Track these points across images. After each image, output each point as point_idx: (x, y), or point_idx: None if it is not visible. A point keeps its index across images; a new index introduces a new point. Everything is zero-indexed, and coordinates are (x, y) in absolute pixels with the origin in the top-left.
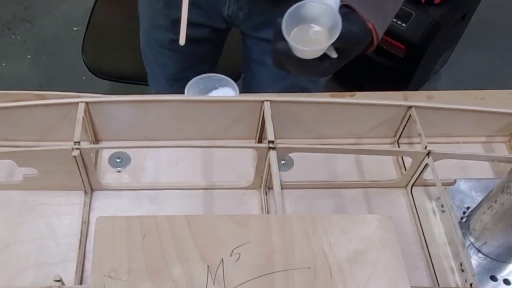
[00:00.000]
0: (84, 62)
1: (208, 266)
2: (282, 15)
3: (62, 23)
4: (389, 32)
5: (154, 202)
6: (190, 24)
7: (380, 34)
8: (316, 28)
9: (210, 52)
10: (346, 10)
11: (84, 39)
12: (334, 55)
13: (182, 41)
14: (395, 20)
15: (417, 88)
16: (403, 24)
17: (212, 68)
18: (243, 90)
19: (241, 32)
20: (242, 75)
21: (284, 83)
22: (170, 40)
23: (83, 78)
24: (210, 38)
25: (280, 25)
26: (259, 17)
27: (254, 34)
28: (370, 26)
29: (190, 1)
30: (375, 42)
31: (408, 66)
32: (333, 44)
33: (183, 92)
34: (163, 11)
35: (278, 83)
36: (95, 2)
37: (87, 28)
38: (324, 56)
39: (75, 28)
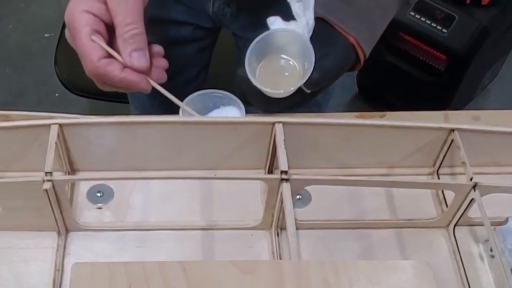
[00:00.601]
0: (58, 76)
1: None
2: (275, 13)
3: (31, 29)
4: (427, 39)
5: (143, 245)
6: (170, 22)
7: (368, 48)
8: (286, 58)
9: (196, 55)
10: (322, 26)
11: (57, 48)
12: (307, 90)
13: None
14: (434, 24)
15: (461, 107)
16: (444, 30)
17: (201, 77)
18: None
19: (233, 34)
20: None
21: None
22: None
23: (56, 95)
24: (195, 37)
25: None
26: (250, 15)
27: (246, 35)
28: (351, 40)
29: None
30: (362, 59)
31: (450, 80)
32: (308, 88)
33: (168, 107)
34: None
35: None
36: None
37: (60, 34)
38: (297, 90)
39: (46, 35)
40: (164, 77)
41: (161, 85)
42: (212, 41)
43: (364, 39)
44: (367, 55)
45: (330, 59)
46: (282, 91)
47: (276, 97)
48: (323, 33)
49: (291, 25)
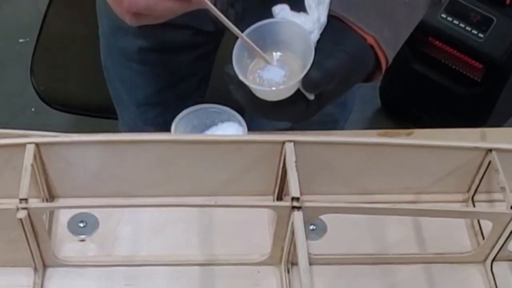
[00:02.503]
0: (34, 88)
1: None
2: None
3: (3, 33)
4: (461, 45)
5: (132, 284)
6: (165, 25)
7: (390, 51)
8: (286, 56)
9: (196, 63)
10: (335, 25)
11: (33, 55)
12: (311, 96)
13: None
14: (469, 28)
15: (499, 123)
16: (480, 35)
17: (201, 89)
18: (248, 124)
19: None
20: None
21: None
22: (139, 49)
23: (32, 109)
24: (194, 43)
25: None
26: (257, 16)
27: None
28: (370, 41)
29: None
30: (383, 65)
31: (487, 92)
32: (307, 90)
33: (163, 123)
34: None
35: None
36: (49, 5)
37: (37, 40)
38: (298, 96)
39: (21, 40)
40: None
41: (159, 96)
42: (213, 47)
43: (385, 39)
44: (390, 61)
45: (335, 58)
46: (274, 89)
47: (270, 99)
48: (334, 32)
49: (300, 17)
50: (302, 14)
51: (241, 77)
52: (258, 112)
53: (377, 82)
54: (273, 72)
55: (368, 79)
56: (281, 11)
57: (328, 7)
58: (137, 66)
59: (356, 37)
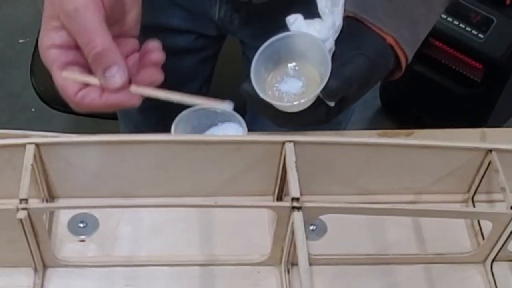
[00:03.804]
0: (34, 88)
1: None
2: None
3: (3, 34)
4: (461, 46)
5: (132, 284)
6: (168, 29)
7: (409, 50)
8: (302, 66)
9: (197, 68)
10: (352, 26)
11: (33, 56)
12: (331, 103)
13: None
14: (469, 29)
15: (499, 124)
16: (480, 35)
17: (202, 91)
18: (249, 125)
19: (240, 41)
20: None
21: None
22: None
23: (33, 110)
24: (197, 47)
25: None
26: (262, 21)
27: (256, 44)
28: (389, 40)
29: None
30: (403, 64)
31: (487, 93)
32: (327, 99)
33: (165, 126)
34: None
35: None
36: None
37: (37, 40)
38: (319, 102)
39: (21, 41)
40: (158, 78)
41: (159, 100)
42: (215, 51)
43: (404, 38)
44: (410, 59)
45: (354, 64)
46: (296, 103)
47: (291, 111)
48: (352, 34)
49: (314, 24)
50: (316, 20)
51: (261, 95)
52: (281, 123)
53: (395, 78)
54: (291, 84)
55: (387, 77)
56: (295, 21)
57: (342, 9)
58: None
59: (375, 38)
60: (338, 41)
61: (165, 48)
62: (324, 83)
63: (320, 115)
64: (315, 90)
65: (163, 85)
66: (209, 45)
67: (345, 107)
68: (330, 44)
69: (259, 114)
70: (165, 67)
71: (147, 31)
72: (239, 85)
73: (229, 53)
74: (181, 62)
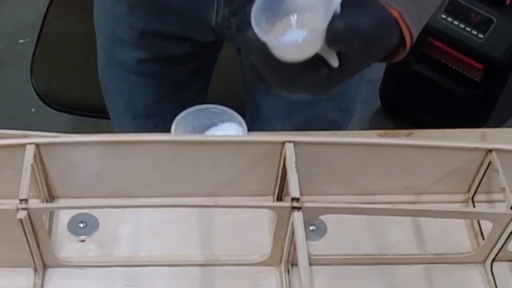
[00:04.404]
0: (34, 88)
1: None
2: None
3: (4, 34)
4: (461, 46)
5: (132, 284)
6: (164, 36)
7: (414, 26)
8: (305, 17)
9: (194, 75)
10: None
11: (33, 56)
12: (334, 62)
13: None
14: (469, 29)
15: (499, 124)
16: (480, 35)
17: (200, 96)
18: (249, 125)
19: (237, 48)
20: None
21: (301, 116)
22: (138, 61)
23: (33, 110)
24: (194, 55)
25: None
26: None
27: None
28: (394, 14)
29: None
30: (408, 41)
31: (487, 93)
32: (330, 43)
33: (163, 131)
34: (127, 19)
35: (292, 116)
36: (49, 6)
37: (37, 40)
38: (320, 63)
39: (21, 41)
40: None
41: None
42: (213, 57)
43: (409, 13)
44: (415, 37)
45: (359, 20)
46: (298, 40)
47: (293, 58)
48: (356, 2)
49: None
50: None
51: (263, 37)
52: (279, 81)
53: (399, 59)
54: (294, 34)
55: (391, 56)
56: None
57: None
58: (136, 77)
59: (380, 8)
60: (342, 6)
61: (163, 55)
62: (328, 21)
63: (320, 78)
64: (319, 27)
65: (161, 92)
66: (205, 53)
67: (349, 72)
68: (337, 2)
69: (260, 67)
70: (163, 74)
71: (142, 38)
72: (236, 84)
73: (226, 55)
74: (179, 68)
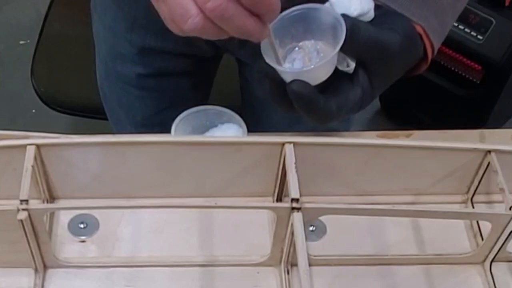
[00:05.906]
0: (35, 89)
1: None
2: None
3: (5, 35)
4: (460, 47)
5: (132, 285)
6: (164, 53)
7: (437, 40)
8: (318, 44)
9: (194, 88)
10: (382, 12)
11: (34, 57)
12: (351, 64)
13: None
14: (468, 30)
15: (498, 125)
16: (479, 36)
17: (201, 104)
18: (249, 126)
19: (236, 60)
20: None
21: (302, 127)
22: (138, 76)
23: (33, 111)
24: (194, 70)
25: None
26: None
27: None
28: (419, 29)
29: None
30: (429, 54)
31: (486, 94)
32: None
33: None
34: (126, 35)
35: (293, 128)
36: (49, 7)
37: (38, 42)
38: (348, 81)
39: (22, 42)
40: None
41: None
42: (213, 71)
43: (433, 29)
44: (435, 51)
45: (384, 34)
46: (311, 66)
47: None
48: (384, 14)
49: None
50: None
51: (275, 66)
52: (294, 105)
53: (420, 72)
54: (301, 61)
55: (413, 69)
56: None
57: None
58: (136, 90)
59: (407, 21)
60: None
61: (163, 70)
62: (340, 44)
63: (354, 97)
64: (332, 52)
65: (161, 104)
66: (205, 67)
67: (376, 90)
68: (370, 17)
69: (274, 100)
70: (163, 88)
71: (142, 54)
72: (236, 86)
73: (227, 60)
74: (179, 83)
